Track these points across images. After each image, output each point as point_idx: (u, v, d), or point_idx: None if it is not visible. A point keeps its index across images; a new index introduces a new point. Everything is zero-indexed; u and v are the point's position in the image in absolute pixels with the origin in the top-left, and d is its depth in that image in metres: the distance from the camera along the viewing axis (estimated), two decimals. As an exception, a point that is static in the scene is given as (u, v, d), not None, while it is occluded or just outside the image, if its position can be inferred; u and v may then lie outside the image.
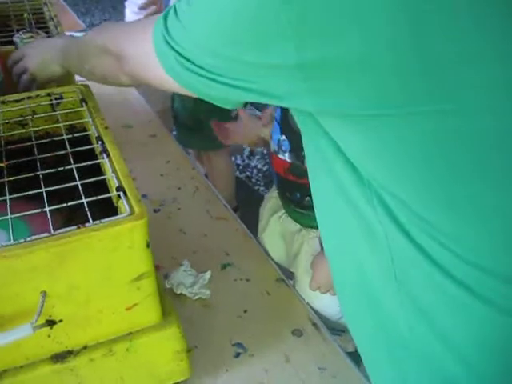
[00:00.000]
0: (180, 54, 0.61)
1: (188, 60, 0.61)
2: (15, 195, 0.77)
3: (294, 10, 0.48)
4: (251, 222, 1.51)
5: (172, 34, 0.62)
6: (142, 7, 2.22)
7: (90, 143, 0.92)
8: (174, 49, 0.62)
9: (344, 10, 0.47)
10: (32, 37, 1.20)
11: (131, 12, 2.29)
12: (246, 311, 1.05)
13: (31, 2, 1.66)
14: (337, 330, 1.32)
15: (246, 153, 3.42)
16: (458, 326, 0.60)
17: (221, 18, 0.54)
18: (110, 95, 1.67)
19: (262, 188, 3.09)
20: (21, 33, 1.21)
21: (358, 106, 0.51)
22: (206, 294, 1.06)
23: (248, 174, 3.27)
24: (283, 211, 1.37)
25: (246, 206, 1.87)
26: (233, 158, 3.29)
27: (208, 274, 1.10)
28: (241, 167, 3.31)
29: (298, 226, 1.26)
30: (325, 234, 0.74)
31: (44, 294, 0.70)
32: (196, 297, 1.06)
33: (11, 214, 0.74)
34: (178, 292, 1.06)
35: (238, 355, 0.97)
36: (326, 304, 1.24)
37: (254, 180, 3.21)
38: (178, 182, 1.46)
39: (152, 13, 2.19)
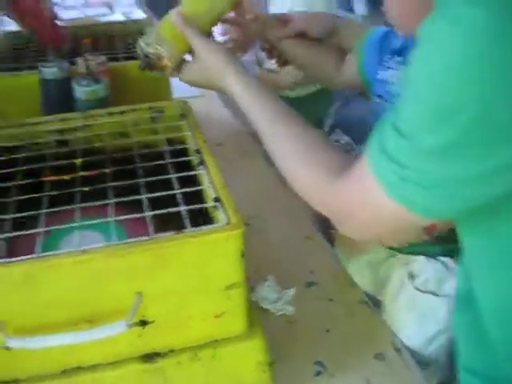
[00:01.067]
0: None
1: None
2: (118, 199, 0.82)
3: None
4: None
5: (406, 163, 0.58)
6: None
7: (187, 156, 0.95)
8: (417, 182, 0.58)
9: None
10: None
11: None
12: (328, 331, 1.06)
13: (136, 24, 1.75)
14: (422, 363, 1.29)
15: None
16: None
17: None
18: (204, 113, 1.73)
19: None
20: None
21: None
22: (289, 311, 1.08)
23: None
24: None
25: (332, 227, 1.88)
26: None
27: (292, 291, 1.11)
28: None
29: (387, 252, 1.25)
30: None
31: (140, 294, 0.74)
32: (279, 312, 1.08)
33: (112, 217, 0.78)
34: (263, 306, 1.08)
35: (318, 374, 0.98)
36: (413, 334, 1.22)
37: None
38: (267, 199, 1.48)
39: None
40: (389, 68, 1.11)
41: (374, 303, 1.18)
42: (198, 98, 2.10)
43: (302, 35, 1.20)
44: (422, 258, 1.15)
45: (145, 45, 0.99)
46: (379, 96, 1.13)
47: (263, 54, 1.39)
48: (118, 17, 3.37)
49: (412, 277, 1.16)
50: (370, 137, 0.65)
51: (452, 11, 0.51)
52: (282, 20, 1.21)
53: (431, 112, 0.54)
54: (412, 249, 1.17)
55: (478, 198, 0.58)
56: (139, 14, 3.44)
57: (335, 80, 1.29)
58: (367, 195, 0.65)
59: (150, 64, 0.99)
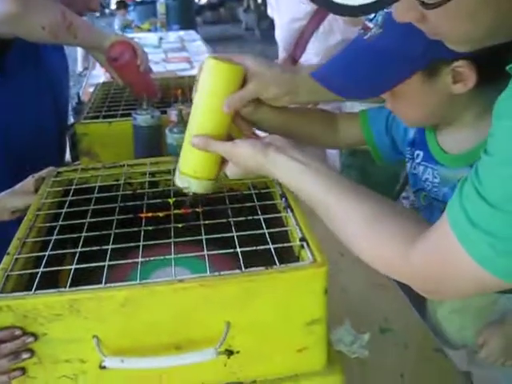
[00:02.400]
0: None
1: None
2: (209, 236, 0.88)
3: None
4: (408, 289, 1.53)
5: (493, 231, 0.61)
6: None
7: (274, 199, 1.01)
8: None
9: None
10: None
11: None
12: (402, 375, 1.07)
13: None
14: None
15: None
16: None
17: None
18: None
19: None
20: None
21: None
22: (364, 354, 1.10)
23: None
24: None
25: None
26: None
27: (367, 336, 1.13)
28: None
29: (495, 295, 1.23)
30: None
31: (228, 324, 0.79)
32: (354, 355, 1.10)
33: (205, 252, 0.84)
34: (337, 348, 1.11)
35: (391, 418, 0.99)
36: None
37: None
38: (341, 247, 1.51)
39: None
40: (417, 163, 1.11)
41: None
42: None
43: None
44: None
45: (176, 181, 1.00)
46: (420, 190, 1.13)
47: None
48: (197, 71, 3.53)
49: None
50: (449, 202, 0.67)
51: None
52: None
53: None
54: None
55: None
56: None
57: (337, 143, 1.28)
58: (454, 264, 0.66)
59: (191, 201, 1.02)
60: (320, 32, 2.27)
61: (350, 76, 0.94)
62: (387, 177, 2.05)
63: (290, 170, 0.85)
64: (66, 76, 1.75)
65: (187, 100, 1.58)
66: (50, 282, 0.86)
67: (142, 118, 1.32)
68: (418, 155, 1.11)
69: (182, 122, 1.24)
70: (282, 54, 2.46)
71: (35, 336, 0.78)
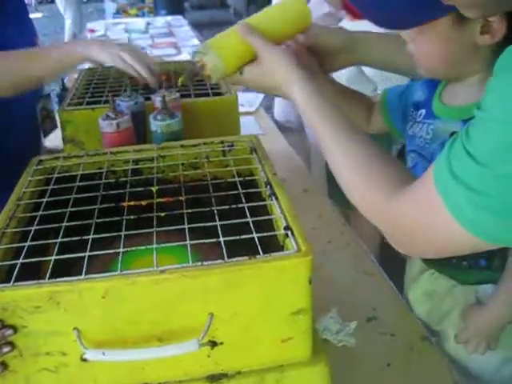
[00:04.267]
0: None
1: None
2: (193, 225, 0.86)
3: None
4: (397, 279, 1.52)
5: (475, 187, 0.61)
6: None
7: (258, 187, 0.99)
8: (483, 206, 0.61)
9: None
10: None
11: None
12: (388, 365, 1.07)
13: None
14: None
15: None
16: None
17: None
18: (268, 150, 1.77)
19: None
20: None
21: None
22: (350, 342, 1.09)
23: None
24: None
25: (392, 265, 1.88)
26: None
27: (354, 324, 1.13)
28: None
29: (452, 282, 1.25)
30: None
31: (211, 315, 0.77)
32: (340, 344, 1.09)
33: (187, 241, 0.82)
34: (324, 337, 1.10)
35: (378, 407, 0.99)
36: (484, 361, 1.21)
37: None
38: (329, 236, 1.51)
39: None
40: (416, 122, 1.14)
41: (431, 333, 1.19)
42: (262, 136, 2.17)
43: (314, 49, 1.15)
44: (489, 285, 1.15)
45: (192, 53, 1.04)
46: (412, 151, 1.15)
47: None
48: (184, 57, 3.50)
49: (480, 302, 1.16)
50: (438, 157, 0.68)
51: None
52: None
53: (506, 144, 0.58)
54: (478, 278, 1.17)
55: None
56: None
57: (365, 129, 1.31)
58: (430, 215, 0.67)
59: (193, 72, 1.03)
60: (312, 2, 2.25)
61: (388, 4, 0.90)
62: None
63: (307, 104, 0.91)
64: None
65: (172, 86, 1.56)
66: (32, 273, 0.84)
67: (126, 105, 1.29)
68: (420, 114, 1.14)
69: (166, 109, 1.22)
70: None
71: (14, 329, 0.77)
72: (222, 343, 0.81)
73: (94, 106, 1.42)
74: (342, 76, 1.87)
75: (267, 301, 0.79)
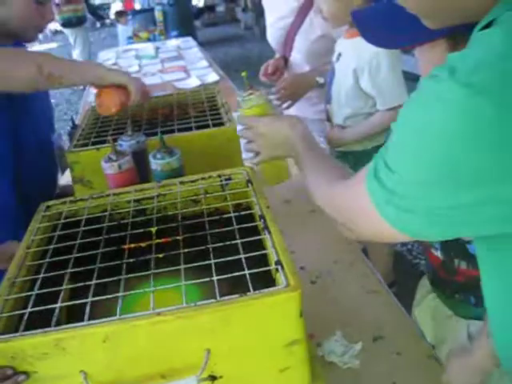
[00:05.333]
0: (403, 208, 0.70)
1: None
2: (189, 265, 0.90)
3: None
4: (408, 297, 1.55)
5: (392, 189, 0.71)
6: None
7: (254, 220, 1.03)
8: (398, 206, 0.70)
9: None
10: (251, 94, 1.37)
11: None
12: (394, 383, 1.09)
13: (206, 90, 1.88)
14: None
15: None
16: None
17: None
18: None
19: (422, 261, 3.07)
20: (241, 92, 1.40)
21: None
22: (355, 364, 1.12)
23: (409, 247, 3.27)
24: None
25: (405, 280, 1.91)
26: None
27: (359, 346, 1.16)
28: (402, 240, 3.31)
29: (449, 312, 1.28)
30: None
31: (208, 351, 0.81)
32: (346, 366, 1.12)
33: (184, 281, 0.87)
34: (329, 360, 1.13)
35: (384, 426, 1.01)
36: None
37: (414, 253, 3.21)
38: (335, 255, 1.54)
39: None
40: None
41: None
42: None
43: None
44: (482, 322, 1.17)
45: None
46: None
47: None
48: (193, 80, 3.56)
49: (471, 339, 1.18)
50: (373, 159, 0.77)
51: (462, 84, 0.60)
52: None
53: (412, 158, 0.67)
54: (470, 313, 1.20)
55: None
56: (213, 77, 3.63)
57: None
58: (357, 201, 0.78)
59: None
60: (302, 29, 2.30)
61: (382, 23, 1.02)
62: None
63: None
64: (47, 101, 1.77)
65: (173, 119, 1.61)
66: (42, 319, 0.89)
67: (127, 144, 1.34)
68: None
69: (165, 147, 1.27)
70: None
71: (27, 374, 0.82)
72: (221, 377, 0.85)
73: (98, 146, 1.47)
74: (341, 92, 1.91)
75: (261, 334, 0.83)
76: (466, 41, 0.94)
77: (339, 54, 1.91)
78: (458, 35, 0.93)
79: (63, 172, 1.81)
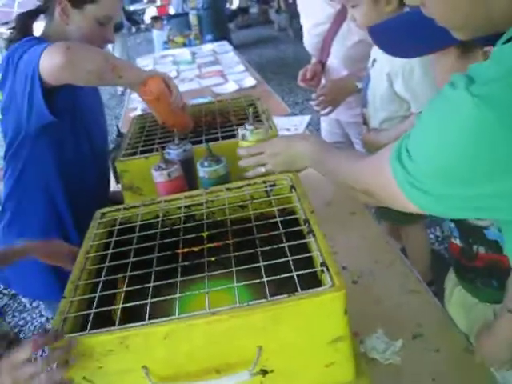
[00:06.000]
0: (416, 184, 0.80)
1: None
2: (239, 268, 0.97)
3: None
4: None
5: (410, 172, 0.80)
6: None
7: (299, 224, 1.10)
8: (413, 185, 0.80)
9: None
10: (257, 128, 1.41)
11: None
12: (434, 379, 1.14)
13: (246, 98, 1.94)
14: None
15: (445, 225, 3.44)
16: None
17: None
18: (313, 175, 1.87)
19: (461, 260, 3.08)
20: (246, 125, 1.43)
21: None
22: (396, 360, 1.17)
23: (447, 245, 3.29)
24: None
25: (443, 279, 1.95)
26: (432, 230, 3.35)
27: (399, 343, 1.21)
28: (440, 239, 3.34)
29: (475, 300, 1.32)
30: None
31: (260, 348, 0.88)
32: (387, 362, 1.18)
33: (234, 284, 0.93)
34: (371, 356, 1.19)
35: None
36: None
37: (452, 252, 3.22)
38: (375, 255, 1.59)
39: None
40: None
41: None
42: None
43: None
44: None
45: None
46: None
47: None
48: (231, 85, 3.63)
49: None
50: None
51: (479, 95, 0.67)
52: None
53: (429, 153, 0.76)
54: (494, 297, 1.25)
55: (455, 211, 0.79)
56: (250, 81, 3.69)
57: None
58: (381, 172, 0.87)
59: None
60: (339, 34, 2.35)
61: (399, 35, 1.10)
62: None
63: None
64: (102, 115, 1.86)
65: (216, 127, 1.68)
66: (104, 318, 0.97)
67: (175, 153, 1.42)
68: None
69: (212, 156, 1.34)
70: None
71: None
72: (272, 371, 0.91)
73: (147, 154, 1.55)
74: (376, 96, 1.96)
75: (308, 332, 0.89)
76: (476, 48, 1.00)
77: (374, 60, 1.96)
78: (467, 43, 1.00)
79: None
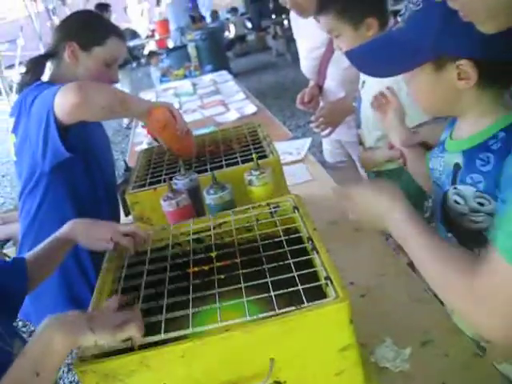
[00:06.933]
0: None
1: None
2: (248, 284, 1.03)
3: None
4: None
5: None
6: None
7: (302, 242, 1.15)
8: None
9: None
10: (262, 172, 1.46)
11: None
12: None
13: (247, 125, 2.02)
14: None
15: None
16: None
17: None
18: (318, 195, 1.93)
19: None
20: (252, 171, 1.47)
21: None
22: (406, 367, 1.22)
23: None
24: None
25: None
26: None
27: (408, 350, 1.25)
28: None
29: None
30: None
31: (272, 360, 0.93)
32: (397, 369, 1.22)
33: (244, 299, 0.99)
34: (382, 365, 1.23)
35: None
36: None
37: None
38: (382, 269, 1.63)
39: None
40: (434, 157, 1.29)
41: (481, 350, 1.29)
42: (312, 182, 2.33)
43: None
44: None
45: None
46: (433, 182, 1.30)
47: None
48: (232, 114, 3.71)
49: None
50: (493, 235, 0.83)
51: None
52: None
53: None
54: None
55: None
56: (251, 108, 3.77)
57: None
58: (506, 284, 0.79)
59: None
60: (334, 58, 2.42)
61: (375, 57, 1.18)
62: (413, 194, 2.16)
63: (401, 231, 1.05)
64: (109, 150, 1.94)
65: (220, 155, 1.75)
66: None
67: (182, 183, 1.48)
68: (437, 150, 1.29)
69: (217, 183, 1.40)
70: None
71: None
72: (285, 382, 0.96)
73: (155, 186, 1.62)
74: (369, 116, 2.02)
75: (317, 341, 0.94)
76: (450, 62, 1.06)
77: (363, 82, 2.02)
78: (441, 58, 1.06)
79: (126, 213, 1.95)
